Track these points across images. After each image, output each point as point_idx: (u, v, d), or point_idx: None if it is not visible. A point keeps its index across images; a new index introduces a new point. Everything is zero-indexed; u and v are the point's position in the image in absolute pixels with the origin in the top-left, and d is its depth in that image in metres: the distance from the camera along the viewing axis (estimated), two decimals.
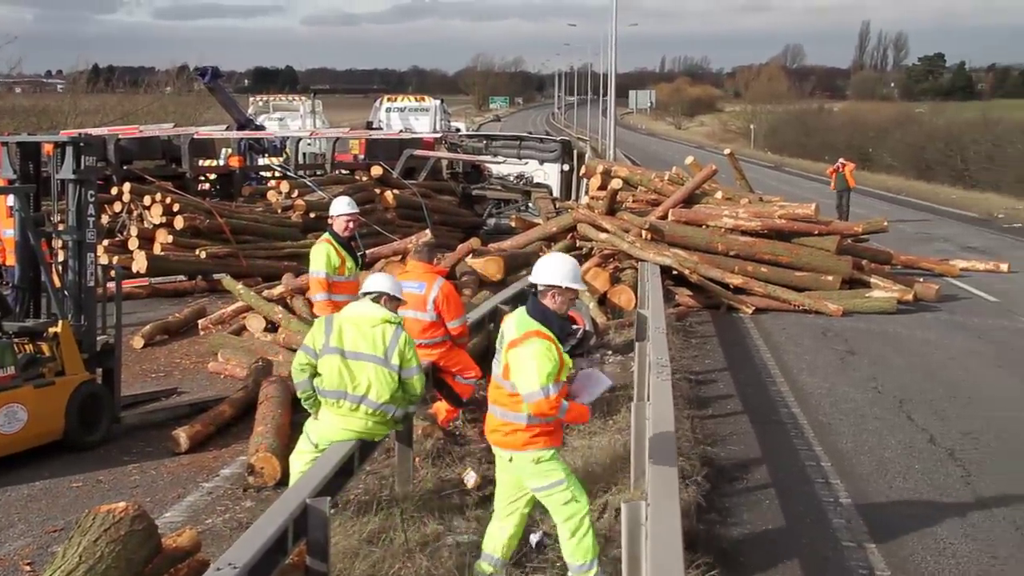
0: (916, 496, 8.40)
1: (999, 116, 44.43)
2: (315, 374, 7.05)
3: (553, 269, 6.11)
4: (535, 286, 6.13)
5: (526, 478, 6.10)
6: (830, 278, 16.39)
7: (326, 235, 9.88)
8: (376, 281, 7.34)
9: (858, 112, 67.57)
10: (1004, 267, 20.40)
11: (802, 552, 7.28)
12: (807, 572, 6.97)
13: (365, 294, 7.24)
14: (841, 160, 29.29)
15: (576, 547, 6.06)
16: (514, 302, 13.67)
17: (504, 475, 6.25)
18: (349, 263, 9.69)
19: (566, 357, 6.15)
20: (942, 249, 23.03)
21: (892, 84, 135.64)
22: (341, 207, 9.89)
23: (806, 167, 55.60)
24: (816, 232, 16.77)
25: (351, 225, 9.83)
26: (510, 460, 6.09)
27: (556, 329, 6.07)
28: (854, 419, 10.58)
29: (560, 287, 6.08)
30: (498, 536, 6.32)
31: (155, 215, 16.92)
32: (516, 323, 6.09)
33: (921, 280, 17.77)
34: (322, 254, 9.65)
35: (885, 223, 19.23)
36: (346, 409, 7.00)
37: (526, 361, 5.92)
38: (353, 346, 6.98)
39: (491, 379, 6.28)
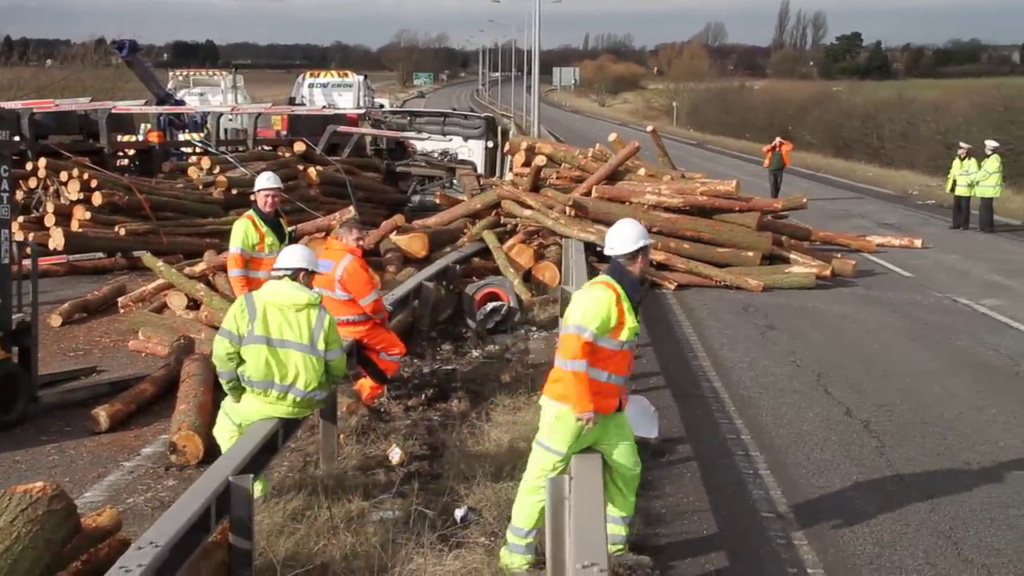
0: (833, 467, 8.60)
1: (913, 95, 45.32)
2: (240, 361, 6.98)
3: (639, 231, 6.37)
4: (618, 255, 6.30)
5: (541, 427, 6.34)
6: (751, 254, 16.64)
7: (249, 211, 9.82)
8: (290, 257, 7.23)
9: (778, 90, 68.41)
10: (918, 243, 20.89)
11: (722, 523, 7.41)
12: (727, 542, 7.10)
13: (281, 271, 7.15)
14: (778, 139, 29.61)
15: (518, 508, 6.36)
16: (439, 278, 13.72)
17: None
18: (270, 239, 9.59)
19: (633, 320, 6.20)
20: (859, 225, 23.50)
21: (811, 63, 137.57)
22: (263, 182, 9.83)
23: (728, 144, 56.32)
24: (737, 208, 17.00)
25: (271, 200, 9.74)
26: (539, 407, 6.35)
27: (629, 290, 6.23)
28: (773, 392, 10.78)
29: (647, 246, 6.39)
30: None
31: (72, 191, 16.55)
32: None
33: (839, 256, 18.12)
34: (240, 230, 9.60)
35: (804, 200, 19.56)
36: (273, 398, 6.95)
37: (578, 304, 6.11)
38: (279, 333, 6.91)
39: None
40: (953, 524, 7.44)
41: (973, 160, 23.39)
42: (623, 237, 6.35)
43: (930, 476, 8.38)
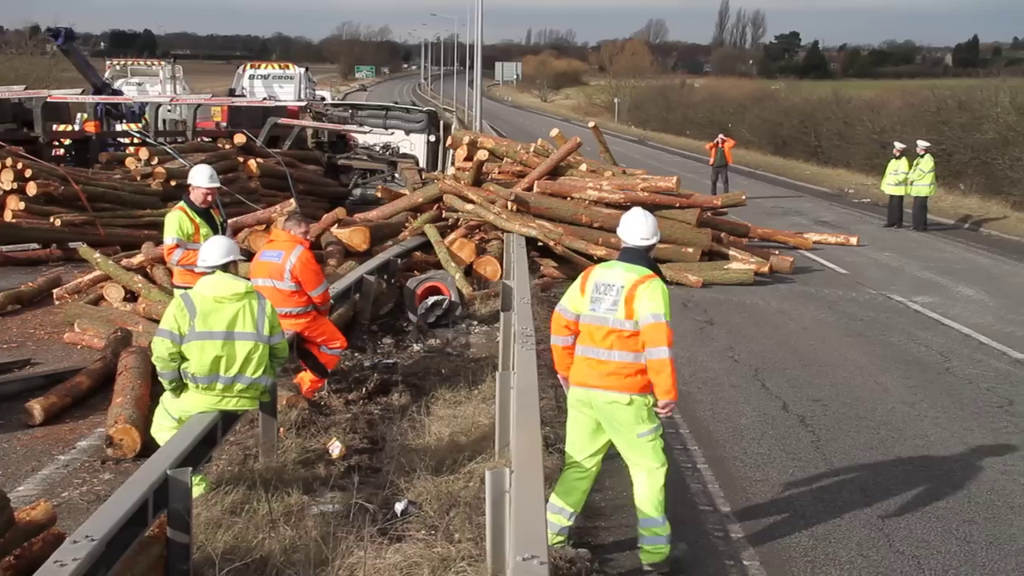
0: (769, 461, 8.73)
1: (849, 95, 45.83)
2: (182, 360, 6.95)
3: (655, 225, 6.67)
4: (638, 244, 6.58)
5: (636, 422, 6.43)
6: (690, 250, 16.80)
7: (181, 202, 9.74)
8: (219, 251, 7.21)
9: (718, 88, 68.87)
10: (853, 240, 21.22)
11: None
12: None
13: (215, 266, 7.14)
14: (721, 136, 29.88)
15: (661, 499, 6.50)
16: (380, 272, 13.69)
17: (604, 422, 6.51)
18: (205, 230, 9.51)
19: None
20: (797, 223, 23.81)
21: (751, 61, 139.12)
22: (202, 180, 9.68)
23: (669, 141, 56.68)
24: (677, 205, 17.14)
25: (209, 199, 9.68)
26: (629, 403, 6.39)
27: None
28: (712, 388, 10.91)
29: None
30: (580, 488, 6.65)
31: (5, 181, 16.25)
32: (625, 271, 6.46)
33: (777, 252, 18.35)
34: (174, 222, 9.56)
35: (743, 197, 19.77)
36: (219, 390, 6.94)
37: (657, 295, 6.34)
38: (225, 325, 6.91)
39: (592, 329, 6.46)
40: (885, 516, 7.59)
41: (907, 159, 23.80)
42: (653, 227, 6.62)
43: (863, 469, 8.54)
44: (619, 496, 7.82)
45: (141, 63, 39.19)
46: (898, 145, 24.66)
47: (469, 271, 15.44)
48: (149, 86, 34.99)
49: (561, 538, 6.62)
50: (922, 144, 24.11)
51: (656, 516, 6.48)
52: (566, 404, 6.91)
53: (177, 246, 9.48)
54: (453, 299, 13.33)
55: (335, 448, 8.24)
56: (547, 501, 6.31)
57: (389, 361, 11.37)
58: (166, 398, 7.17)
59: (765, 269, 17.08)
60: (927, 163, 23.51)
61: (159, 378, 7.21)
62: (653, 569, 6.55)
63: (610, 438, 6.57)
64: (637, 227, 6.56)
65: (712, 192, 26.13)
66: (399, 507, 7.09)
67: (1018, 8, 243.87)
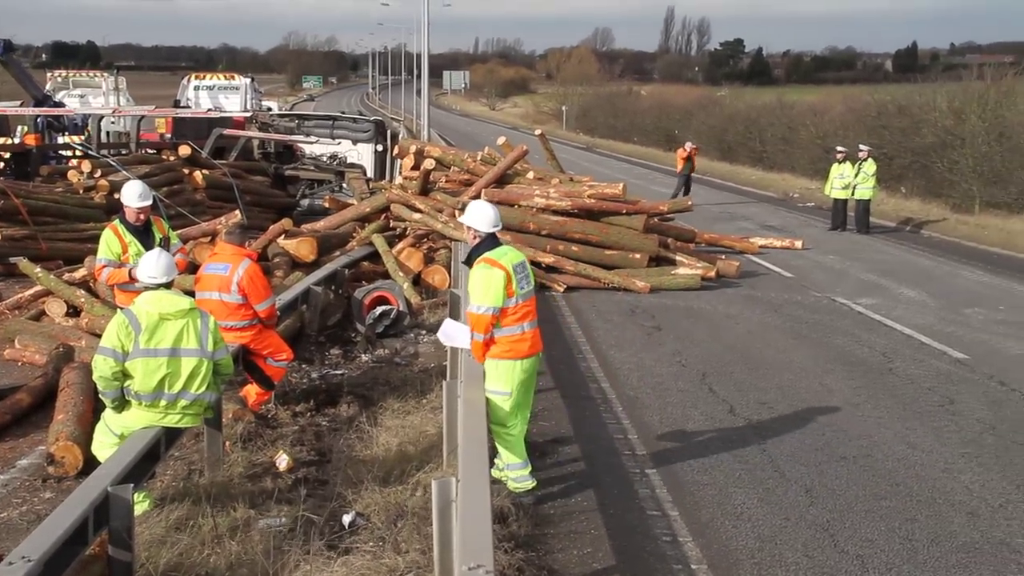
0: (716, 464, 8.78)
1: (793, 101, 46.37)
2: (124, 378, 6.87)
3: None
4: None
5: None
6: (638, 256, 16.88)
7: (115, 220, 9.57)
8: (159, 266, 7.14)
9: (665, 95, 69.31)
10: (799, 244, 21.45)
11: (609, 522, 7.51)
12: (614, 540, 7.20)
13: (156, 282, 7.07)
14: (691, 144, 30.33)
15: None
16: (327, 282, 13.62)
17: (531, 380, 7.73)
18: (135, 248, 9.26)
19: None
20: (743, 227, 24.03)
21: (696, 68, 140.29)
22: (132, 199, 9.43)
23: (617, 148, 56.96)
24: (624, 211, 17.23)
25: (142, 217, 9.47)
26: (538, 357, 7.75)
27: None
28: (660, 392, 10.96)
29: None
30: (522, 440, 7.76)
31: None
32: (516, 251, 7.83)
33: (723, 257, 18.50)
34: (103, 241, 9.39)
35: (690, 202, 19.93)
36: (162, 407, 6.88)
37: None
38: (170, 342, 6.85)
39: (529, 304, 7.62)
40: (830, 517, 7.67)
41: (851, 163, 24.12)
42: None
43: (809, 471, 8.62)
44: (568, 503, 7.84)
45: (83, 74, 38.67)
46: (840, 149, 25.01)
47: (417, 280, 15.42)
48: (92, 98, 34.52)
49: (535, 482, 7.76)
50: (863, 148, 24.47)
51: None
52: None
53: (105, 266, 9.33)
54: (401, 309, 13.31)
55: (282, 461, 8.19)
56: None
57: (337, 372, 11.32)
58: (108, 414, 7.08)
59: (712, 274, 17.21)
60: (870, 167, 23.86)
61: (101, 397, 7.12)
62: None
63: None
64: (495, 214, 7.67)
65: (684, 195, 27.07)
66: (346, 519, 7.06)
67: (955, 15, 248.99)
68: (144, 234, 9.43)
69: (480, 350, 7.53)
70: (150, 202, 9.58)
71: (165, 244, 9.49)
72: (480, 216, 7.66)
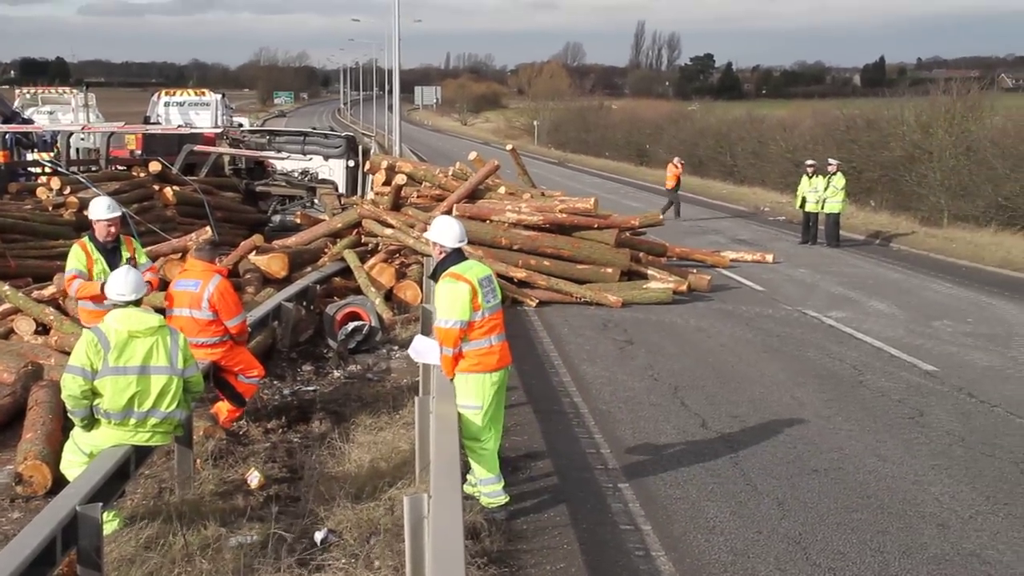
0: (689, 478, 8.80)
1: (763, 115, 46.75)
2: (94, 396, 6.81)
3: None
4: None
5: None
6: (609, 270, 16.93)
7: (85, 238, 9.47)
8: (128, 283, 7.09)
9: (635, 109, 69.72)
10: (769, 258, 21.57)
11: (582, 537, 7.51)
12: (587, 555, 7.20)
13: (126, 299, 7.02)
14: (680, 160, 30.73)
15: None
16: (299, 298, 13.58)
17: (501, 393, 7.78)
18: (99, 267, 9.15)
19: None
20: (714, 241, 24.16)
21: (667, 83, 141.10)
22: (100, 211, 9.33)
23: (588, 163, 57.16)
24: (596, 226, 17.27)
25: (112, 230, 9.36)
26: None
27: None
28: (632, 406, 10.98)
29: None
30: (496, 455, 7.81)
31: None
32: (483, 265, 7.92)
33: (695, 271, 18.57)
34: (71, 254, 9.29)
35: (661, 216, 20.01)
36: (132, 425, 6.83)
37: None
38: (140, 360, 6.81)
39: (496, 318, 7.67)
40: (802, 530, 7.70)
41: (821, 177, 24.30)
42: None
43: (781, 484, 8.65)
44: (540, 517, 7.84)
45: (53, 91, 38.54)
46: (810, 163, 25.21)
47: (389, 296, 15.40)
48: (61, 114, 34.38)
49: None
50: (832, 162, 24.68)
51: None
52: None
53: (76, 277, 9.24)
54: (373, 324, 13.28)
55: (254, 478, 8.14)
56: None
57: (309, 388, 11.28)
58: (77, 433, 7.02)
59: (683, 288, 17.27)
60: (840, 180, 24.06)
61: (70, 415, 7.05)
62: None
63: None
64: (460, 230, 7.78)
65: (677, 214, 28.09)
66: (318, 536, 7.02)
67: (922, 30, 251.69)
68: (111, 253, 9.29)
69: (450, 364, 7.56)
70: (119, 214, 9.49)
71: (132, 264, 9.40)
72: (445, 231, 7.74)
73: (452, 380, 7.64)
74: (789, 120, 43.01)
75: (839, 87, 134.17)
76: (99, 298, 8.53)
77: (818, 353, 13.50)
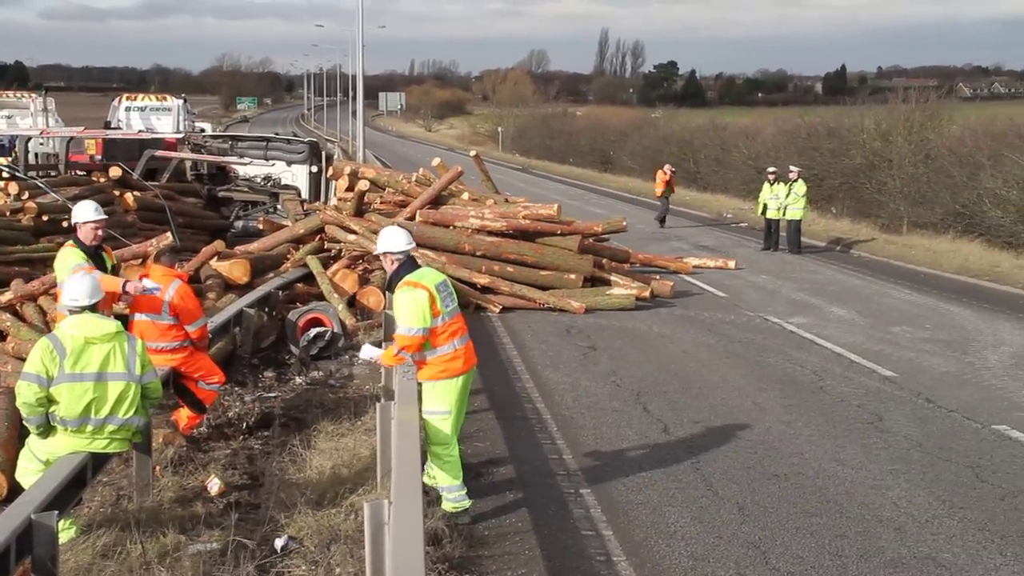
0: (650, 483, 8.83)
1: (725, 122, 47.11)
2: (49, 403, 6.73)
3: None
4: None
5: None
6: (573, 276, 16.97)
7: (71, 242, 9.29)
8: (85, 289, 7.02)
9: (600, 116, 70.00)
10: (732, 264, 21.70)
11: (544, 542, 7.52)
12: (548, 561, 7.21)
13: (82, 305, 6.94)
14: (671, 167, 31.22)
15: None
16: (261, 304, 13.51)
17: (465, 395, 7.85)
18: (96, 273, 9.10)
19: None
20: (677, 248, 24.28)
21: (631, 90, 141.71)
22: (87, 213, 9.17)
23: (552, 169, 57.28)
24: (559, 232, 17.31)
25: (99, 233, 9.23)
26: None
27: None
28: (594, 412, 11.01)
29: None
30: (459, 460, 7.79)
31: None
32: (436, 271, 8.03)
33: (658, 277, 18.65)
34: (61, 261, 9.12)
35: (624, 223, 20.05)
36: (89, 432, 6.76)
37: None
38: (97, 366, 6.74)
39: (458, 321, 7.72)
40: (762, 535, 7.74)
41: (782, 184, 24.51)
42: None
43: (741, 489, 8.70)
44: (502, 523, 7.84)
45: (10, 95, 38.11)
46: (772, 170, 25.42)
47: (352, 302, 15.34)
48: (19, 119, 33.98)
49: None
50: (794, 169, 24.90)
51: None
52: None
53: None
54: (335, 330, 13.24)
55: (214, 485, 8.09)
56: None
57: (271, 395, 11.22)
58: (32, 440, 6.94)
59: (646, 294, 17.33)
60: (801, 187, 24.27)
61: (25, 423, 6.98)
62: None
63: None
64: (407, 234, 7.93)
65: (662, 223, 28.82)
66: (279, 543, 6.99)
67: (883, 39, 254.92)
68: (97, 258, 9.18)
69: (397, 364, 7.80)
70: (104, 216, 9.36)
71: (116, 271, 9.34)
72: (393, 238, 7.82)
73: (416, 385, 7.68)
74: (752, 127, 43.34)
75: (801, 95, 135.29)
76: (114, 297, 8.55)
77: (779, 359, 13.60)
